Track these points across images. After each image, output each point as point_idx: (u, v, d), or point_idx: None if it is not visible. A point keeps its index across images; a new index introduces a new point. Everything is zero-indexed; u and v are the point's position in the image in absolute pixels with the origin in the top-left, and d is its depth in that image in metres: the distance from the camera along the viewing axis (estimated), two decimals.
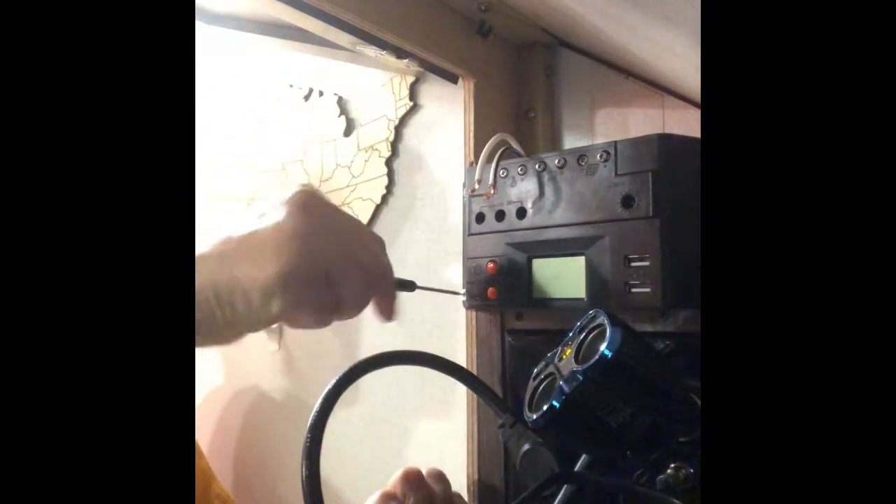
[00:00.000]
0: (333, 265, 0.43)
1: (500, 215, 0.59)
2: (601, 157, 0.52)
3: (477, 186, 0.60)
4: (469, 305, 0.63)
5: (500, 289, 0.59)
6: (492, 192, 0.59)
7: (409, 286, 0.53)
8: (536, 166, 0.56)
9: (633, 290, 0.50)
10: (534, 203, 0.57)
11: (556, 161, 0.55)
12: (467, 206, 0.62)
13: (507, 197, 0.58)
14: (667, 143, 0.50)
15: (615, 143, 0.52)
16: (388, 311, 0.48)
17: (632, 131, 0.69)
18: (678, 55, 0.58)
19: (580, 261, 0.53)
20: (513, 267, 0.58)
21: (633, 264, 0.50)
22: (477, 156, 0.64)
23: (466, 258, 0.61)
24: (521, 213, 0.57)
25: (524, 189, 0.57)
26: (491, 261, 0.59)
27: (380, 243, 0.48)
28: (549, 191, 0.56)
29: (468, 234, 0.61)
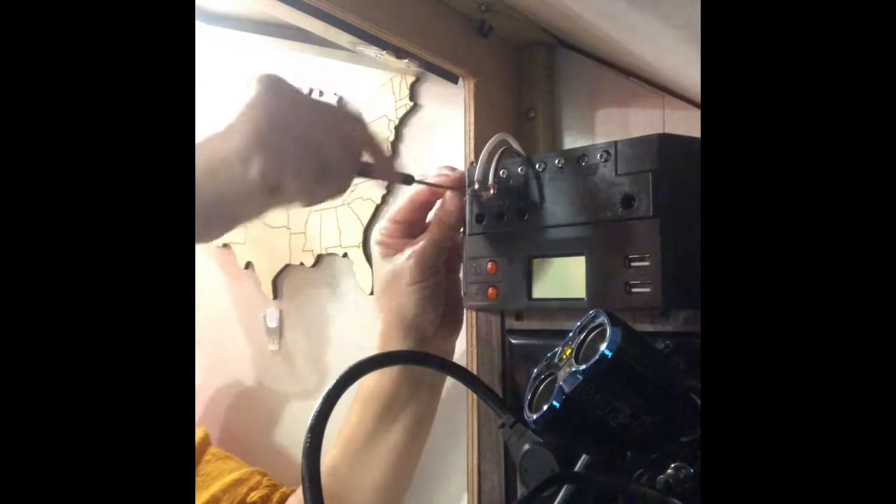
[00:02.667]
0: (308, 127, 0.47)
1: (500, 215, 0.59)
2: (601, 157, 0.52)
3: (476, 186, 0.60)
4: (469, 305, 0.63)
5: (500, 289, 0.59)
6: (491, 192, 0.59)
7: (407, 179, 0.57)
8: (537, 166, 0.56)
9: (633, 290, 0.50)
10: (534, 203, 0.57)
11: (557, 161, 0.55)
12: (467, 205, 0.62)
13: (507, 197, 0.58)
14: (667, 143, 0.50)
15: (615, 143, 0.52)
16: (390, 174, 0.56)
17: (632, 131, 0.69)
18: (678, 55, 0.58)
19: (580, 261, 0.53)
20: (513, 267, 0.58)
21: (634, 264, 0.50)
22: (477, 156, 0.64)
23: (466, 258, 0.61)
24: (521, 213, 0.57)
25: (524, 189, 0.57)
26: (491, 261, 0.59)
27: (357, 119, 0.52)
28: (549, 191, 0.56)
29: (468, 233, 0.61)
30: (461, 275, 0.64)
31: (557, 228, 0.55)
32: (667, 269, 0.49)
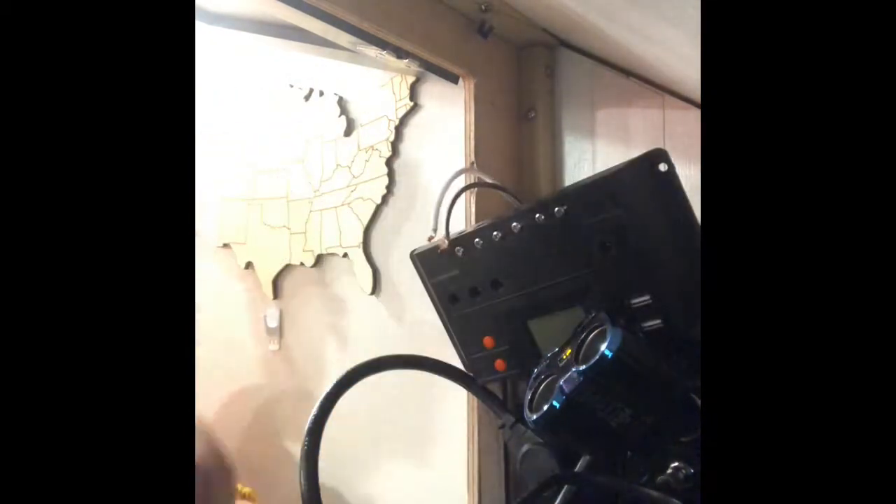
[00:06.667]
0: None
1: (474, 291, 0.54)
2: (557, 211, 0.49)
3: (433, 234, 0.55)
4: (483, 380, 0.58)
5: (507, 357, 0.55)
6: (445, 243, 0.54)
7: None
8: (493, 234, 0.52)
9: (647, 327, 0.47)
10: (504, 272, 0.52)
11: (513, 225, 0.51)
12: (433, 290, 0.56)
13: (472, 273, 0.54)
14: (623, 181, 0.46)
15: (568, 193, 0.49)
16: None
17: (632, 131, 0.69)
18: (678, 55, 0.58)
19: (578, 311, 0.50)
20: (511, 335, 0.54)
21: (635, 304, 0.47)
22: (477, 156, 0.64)
23: (456, 339, 0.57)
24: (495, 284, 0.53)
25: (488, 262, 0.53)
26: (485, 335, 0.55)
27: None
28: (515, 256, 0.52)
29: (447, 317, 0.57)
30: None
31: (542, 288, 0.51)
32: (670, 298, 0.46)
